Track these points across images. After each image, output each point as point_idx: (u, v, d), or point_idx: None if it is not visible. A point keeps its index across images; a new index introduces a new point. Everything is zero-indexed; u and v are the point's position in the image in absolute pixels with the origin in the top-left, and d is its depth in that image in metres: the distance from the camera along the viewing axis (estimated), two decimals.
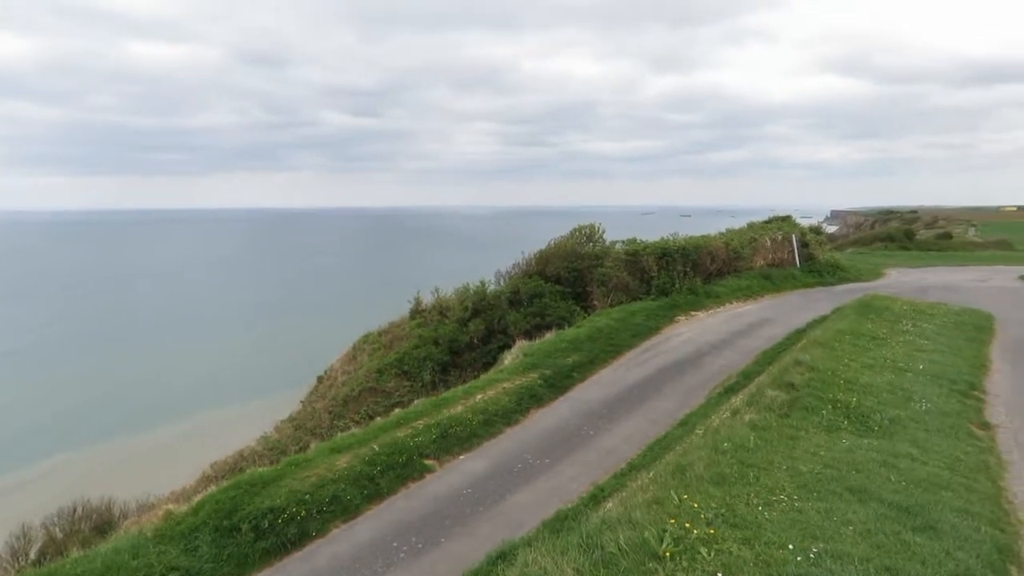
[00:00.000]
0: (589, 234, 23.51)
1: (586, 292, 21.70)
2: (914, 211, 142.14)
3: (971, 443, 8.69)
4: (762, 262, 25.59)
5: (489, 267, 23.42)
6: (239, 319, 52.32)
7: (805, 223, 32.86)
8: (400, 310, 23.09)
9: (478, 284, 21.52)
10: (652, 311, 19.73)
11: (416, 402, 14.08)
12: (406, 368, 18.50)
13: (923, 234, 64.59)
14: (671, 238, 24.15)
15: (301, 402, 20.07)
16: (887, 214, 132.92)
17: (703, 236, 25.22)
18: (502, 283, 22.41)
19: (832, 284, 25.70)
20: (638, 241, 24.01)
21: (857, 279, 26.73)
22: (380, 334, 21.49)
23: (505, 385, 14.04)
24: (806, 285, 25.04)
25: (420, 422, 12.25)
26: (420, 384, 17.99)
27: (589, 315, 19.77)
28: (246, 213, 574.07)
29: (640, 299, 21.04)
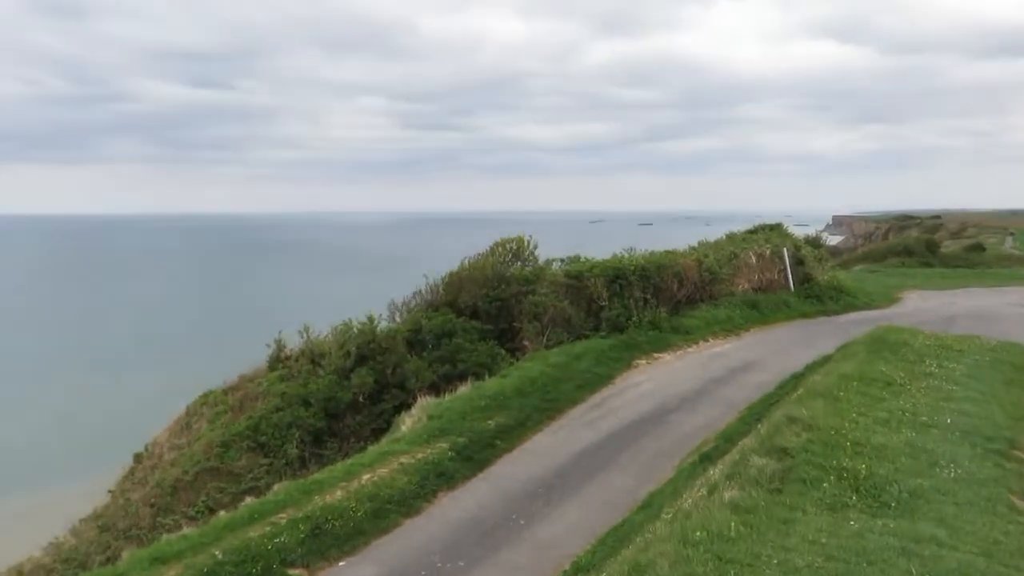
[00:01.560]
0: (516, 250, 23.84)
1: (513, 329, 21.97)
2: (936, 216, 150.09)
3: (1013, 520, 8.92)
4: (746, 285, 26.54)
5: (380, 296, 23.30)
6: (15, 376, 49.95)
7: (800, 233, 34.29)
8: (254, 358, 22.92)
9: (364, 321, 21.52)
10: (602, 353, 20.10)
11: (277, 487, 13.95)
12: (263, 439, 18.29)
13: (948, 246, 67.90)
14: (626, 255, 24.71)
15: (110, 491, 19.56)
16: (903, 220, 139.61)
17: (668, 252, 26.00)
18: (398, 319, 22.52)
19: (836, 313, 26.83)
20: (583, 259, 24.34)
21: (867, 306, 27.96)
22: (226, 392, 21.27)
23: (403, 460, 14.07)
24: (803, 315, 26.07)
25: (283, 516, 12.12)
26: (283, 461, 17.79)
27: (518, 360, 20.00)
28: (35, 222, 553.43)
29: (586, 337, 21.42)
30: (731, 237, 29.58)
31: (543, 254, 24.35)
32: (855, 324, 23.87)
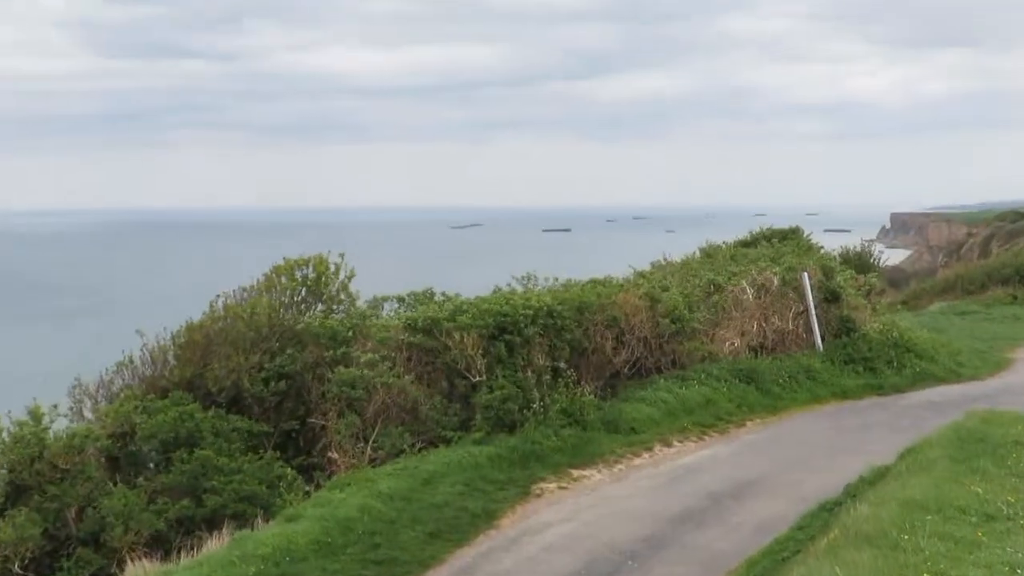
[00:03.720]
0: (315, 282, 23.67)
1: (311, 431, 21.97)
2: None
3: None
4: (737, 341, 26.80)
5: (59, 372, 23.45)
6: None
7: (834, 246, 34.66)
8: None
9: (24, 420, 20.72)
10: (477, 472, 19.83)
11: None
12: None
13: None
14: (519, 289, 25.18)
15: None
16: (1017, 219, 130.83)
17: (597, 283, 26.59)
18: (89, 414, 22.11)
19: (897, 389, 27.29)
20: (438, 299, 24.40)
21: (953, 376, 28.51)
22: None
23: None
24: (838, 393, 26.46)
25: None
26: None
27: (321, 489, 19.65)
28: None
29: (448, 442, 21.25)
30: (710, 254, 29.98)
31: (368, 287, 24.20)
32: (931, 410, 24.17)
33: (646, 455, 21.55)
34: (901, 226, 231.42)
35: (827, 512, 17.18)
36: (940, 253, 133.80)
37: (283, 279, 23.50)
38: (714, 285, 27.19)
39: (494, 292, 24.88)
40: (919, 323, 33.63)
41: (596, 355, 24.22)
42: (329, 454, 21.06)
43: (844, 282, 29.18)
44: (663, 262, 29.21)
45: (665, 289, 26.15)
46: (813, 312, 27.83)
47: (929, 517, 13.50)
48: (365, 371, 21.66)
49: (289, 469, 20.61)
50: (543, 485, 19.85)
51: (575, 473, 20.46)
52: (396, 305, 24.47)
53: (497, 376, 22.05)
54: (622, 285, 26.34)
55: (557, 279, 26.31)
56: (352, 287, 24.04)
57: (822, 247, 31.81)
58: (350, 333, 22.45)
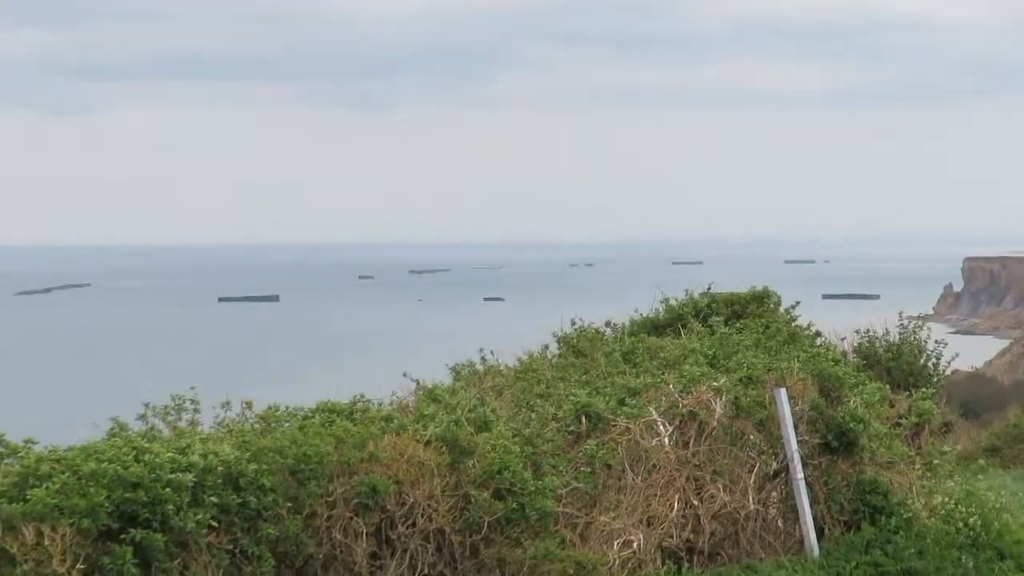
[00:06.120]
0: None
1: None
2: None
3: None
4: (635, 535, 18.44)
5: None
6: None
7: (836, 331, 25.37)
8: None
9: None
10: None
11: None
12: None
13: None
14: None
15: None
16: None
17: (342, 410, 18.19)
18: None
19: None
20: None
21: None
22: None
23: None
24: None
25: None
26: None
27: None
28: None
29: None
30: (582, 351, 22.09)
31: None
32: None
33: None
34: (977, 277, 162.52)
35: None
36: None
37: None
38: (589, 416, 17.14)
39: (111, 437, 15.06)
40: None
41: (333, 570, 16.02)
42: None
43: (865, 408, 18.52)
44: (483, 366, 20.14)
45: (483, 426, 16.40)
46: (800, 474, 17.62)
47: None
48: None
49: None
50: None
51: None
52: None
53: None
54: (392, 419, 16.46)
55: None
56: None
57: (818, 334, 22.83)
58: None
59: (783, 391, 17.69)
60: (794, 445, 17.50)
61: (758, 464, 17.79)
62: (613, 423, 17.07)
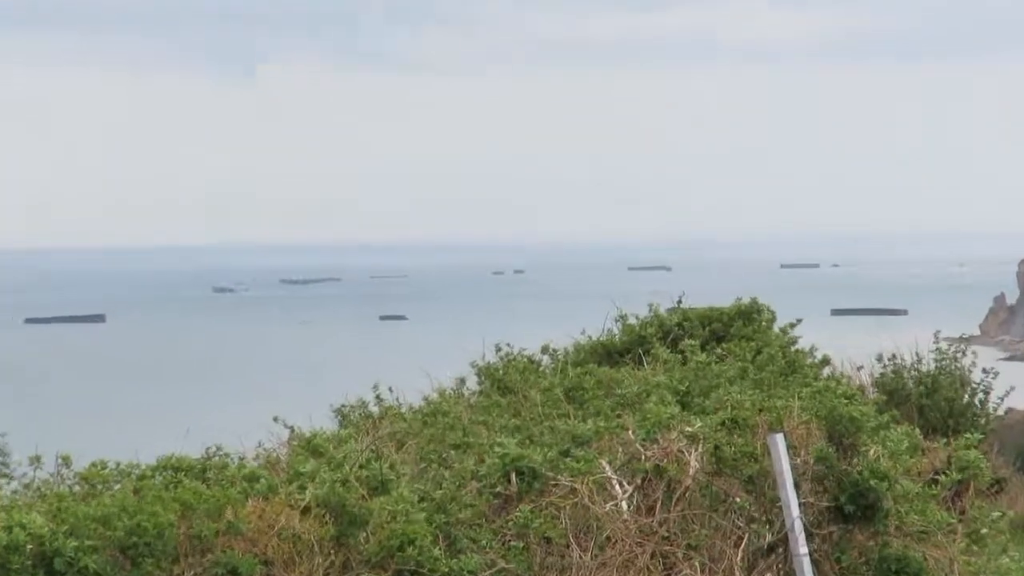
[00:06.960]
0: None
1: None
2: None
3: None
4: None
5: None
6: None
7: (854, 360, 26.00)
8: None
9: None
10: None
11: None
12: None
13: None
14: None
15: None
16: None
17: (186, 466, 19.16)
18: None
19: None
20: None
21: None
22: None
23: None
24: None
25: None
26: None
27: None
28: None
29: None
30: (507, 386, 22.56)
31: None
32: None
33: None
34: None
35: None
36: None
37: None
38: (521, 473, 17.10)
39: None
40: None
41: None
42: None
43: (889, 460, 17.99)
44: (379, 407, 20.38)
45: (380, 488, 16.66)
46: (803, 549, 17.03)
47: None
48: None
49: None
50: None
51: None
52: None
53: None
54: (257, 478, 16.09)
55: None
56: None
57: (826, 361, 22.96)
58: None
59: (780, 438, 16.72)
60: (795, 510, 16.56)
61: (747, 535, 16.89)
62: (553, 482, 16.27)
